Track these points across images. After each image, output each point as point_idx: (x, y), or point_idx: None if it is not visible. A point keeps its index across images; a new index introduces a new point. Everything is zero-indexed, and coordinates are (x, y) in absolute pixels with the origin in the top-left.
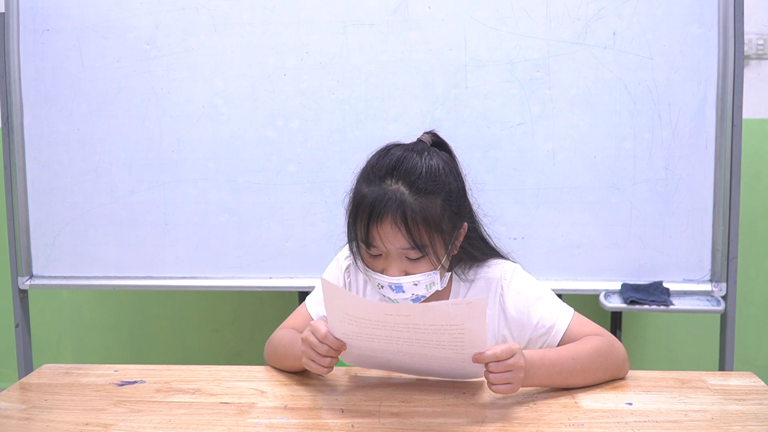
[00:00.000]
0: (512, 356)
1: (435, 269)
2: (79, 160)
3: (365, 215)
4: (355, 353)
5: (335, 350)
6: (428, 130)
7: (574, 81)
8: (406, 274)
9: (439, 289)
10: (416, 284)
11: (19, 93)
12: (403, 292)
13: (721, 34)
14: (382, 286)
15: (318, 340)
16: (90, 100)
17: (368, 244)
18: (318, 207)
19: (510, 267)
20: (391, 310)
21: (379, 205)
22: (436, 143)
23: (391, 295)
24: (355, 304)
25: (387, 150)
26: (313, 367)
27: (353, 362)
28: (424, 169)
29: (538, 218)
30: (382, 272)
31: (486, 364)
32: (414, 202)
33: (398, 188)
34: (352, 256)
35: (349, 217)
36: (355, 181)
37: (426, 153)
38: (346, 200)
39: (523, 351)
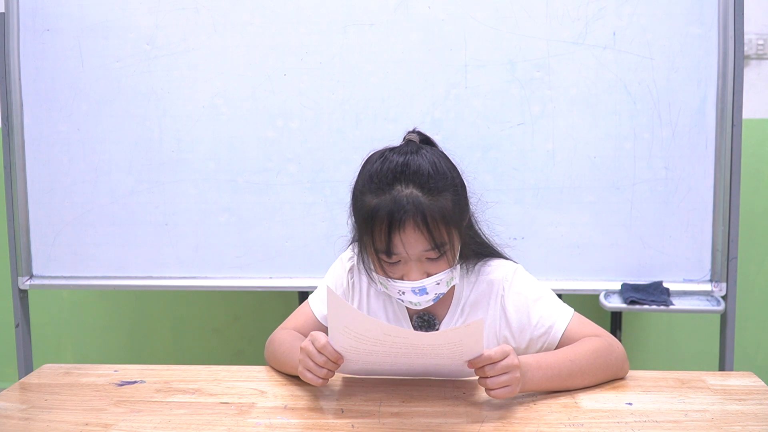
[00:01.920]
0: (506, 357)
1: (453, 265)
2: (79, 160)
3: (384, 225)
4: (353, 365)
5: (332, 362)
6: (411, 129)
7: (574, 81)
8: (427, 274)
9: (457, 282)
10: (438, 283)
11: (19, 93)
12: (427, 293)
13: (721, 34)
14: (404, 293)
15: (316, 349)
16: (90, 100)
17: (389, 254)
18: (318, 207)
19: (512, 268)
20: (390, 331)
21: (398, 213)
22: (423, 141)
23: (414, 299)
24: (356, 319)
25: (383, 157)
26: (308, 378)
27: (351, 373)
28: (429, 168)
29: (538, 218)
30: (401, 278)
31: (480, 371)
32: (430, 203)
33: (411, 192)
34: (355, 258)
35: (362, 230)
36: (354, 194)
37: (423, 152)
38: (348, 214)
39: (521, 356)
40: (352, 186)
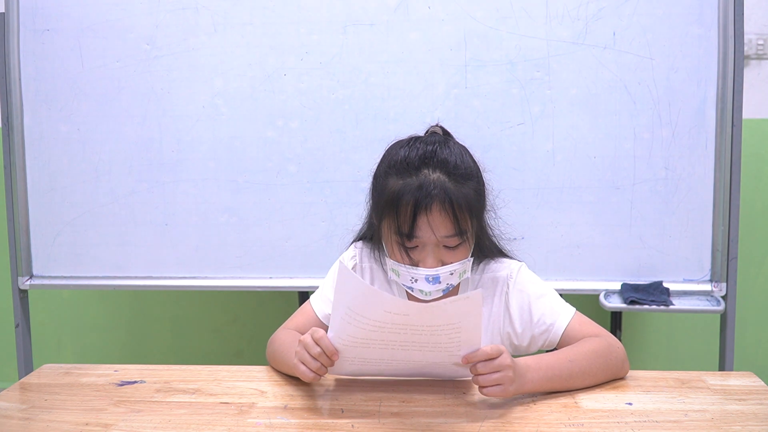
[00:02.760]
0: (499, 355)
1: (469, 256)
2: (79, 160)
3: (410, 206)
4: (348, 365)
5: (327, 356)
6: (433, 124)
7: (574, 81)
8: (442, 263)
9: (468, 276)
10: (452, 273)
11: (19, 93)
12: (440, 282)
13: (721, 34)
14: (416, 280)
15: (313, 340)
16: (90, 100)
17: (411, 236)
18: (318, 207)
19: (516, 266)
20: (390, 307)
21: (425, 196)
22: (445, 134)
23: (426, 287)
24: (361, 293)
25: (410, 144)
26: (301, 370)
27: (346, 374)
28: (456, 158)
29: (538, 218)
30: (417, 265)
31: (474, 368)
32: (456, 189)
33: (438, 177)
34: (357, 256)
35: (383, 212)
36: (376, 179)
37: (450, 143)
38: (354, 201)
39: (520, 358)
40: (374, 170)
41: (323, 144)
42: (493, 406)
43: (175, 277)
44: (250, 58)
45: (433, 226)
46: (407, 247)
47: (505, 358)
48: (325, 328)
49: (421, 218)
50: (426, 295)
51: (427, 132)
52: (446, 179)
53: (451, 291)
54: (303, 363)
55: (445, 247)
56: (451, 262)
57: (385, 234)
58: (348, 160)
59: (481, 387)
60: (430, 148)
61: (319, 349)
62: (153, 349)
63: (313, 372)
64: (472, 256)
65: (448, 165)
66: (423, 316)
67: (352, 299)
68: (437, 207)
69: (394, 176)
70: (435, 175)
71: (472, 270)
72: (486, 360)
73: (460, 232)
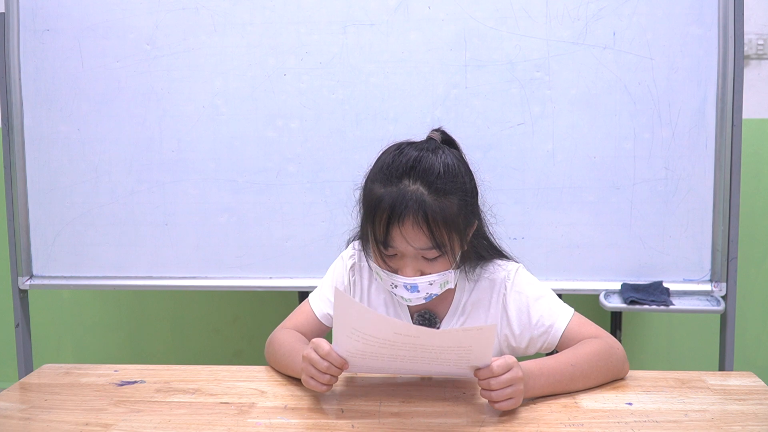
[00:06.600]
0: (509, 370)
1: (451, 268)
2: (79, 160)
3: (384, 216)
4: (354, 368)
5: (337, 368)
6: (436, 127)
7: (574, 81)
8: (422, 273)
9: (452, 287)
10: (431, 284)
11: (19, 93)
12: (418, 291)
13: (721, 34)
14: (396, 286)
15: (320, 356)
16: (90, 100)
17: (386, 245)
18: (318, 207)
19: (513, 267)
20: (401, 329)
21: (399, 207)
22: (445, 140)
23: (406, 294)
24: (365, 318)
25: (400, 149)
26: (312, 385)
27: (353, 371)
28: (441, 169)
29: (538, 218)
30: (396, 272)
31: (485, 383)
32: (434, 203)
33: (417, 188)
34: (356, 255)
35: (364, 218)
36: (365, 181)
37: (440, 152)
38: (355, 201)
39: (523, 362)
40: (366, 173)
41: (323, 144)
42: None
43: (175, 277)
44: (250, 58)
45: (408, 239)
46: (386, 254)
47: (517, 372)
48: (324, 327)
49: (394, 230)
50: (408, 301)
51: (427, 136)
52: (425, 191)
53: (446, 295)
54: (312, 378)
55: (424, 258)
56: (431, 273)
57: (369, 238)
58: (348, 160)
59: (492, 402)
60: (415, 155)
61: (326, 363)
62: (153, 349)
63: (325, 384)
64: (465, 263)
65: (431, 176)
66: (433, 339)
67: (357, 322)
68: (410, 220)
69: (377, 183)
70: (414, 187)
71: (470, 272)
72: (498, 375)
73: (435, 246)
